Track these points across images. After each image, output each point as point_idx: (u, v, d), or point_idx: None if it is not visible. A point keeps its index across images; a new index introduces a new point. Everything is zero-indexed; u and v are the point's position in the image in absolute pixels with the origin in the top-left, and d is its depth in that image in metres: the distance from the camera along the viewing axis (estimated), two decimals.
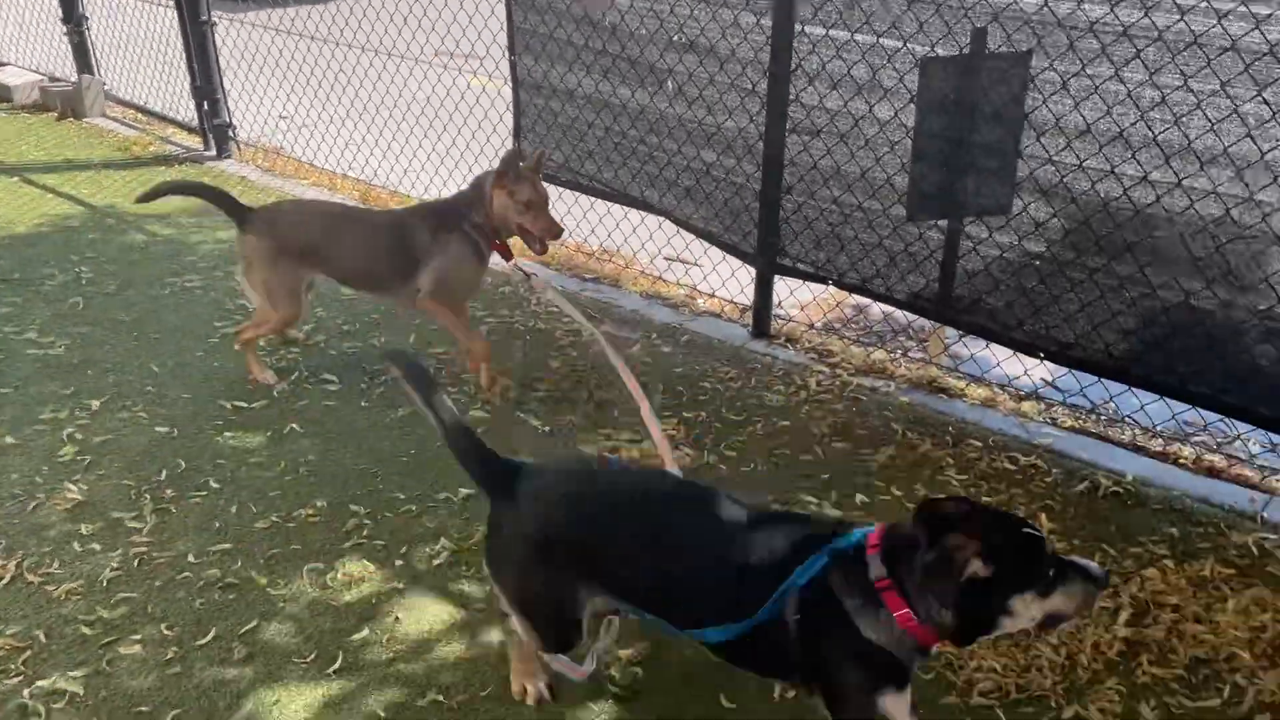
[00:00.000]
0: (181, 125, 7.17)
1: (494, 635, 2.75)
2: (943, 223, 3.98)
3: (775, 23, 3.98)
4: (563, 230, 3.92)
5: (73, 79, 7.72)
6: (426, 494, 3.35)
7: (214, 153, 6.81)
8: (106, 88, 7.72)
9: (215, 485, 3.37)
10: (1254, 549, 3.18)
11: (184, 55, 6.63)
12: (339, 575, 2.97)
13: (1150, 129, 3.33)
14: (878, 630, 2.03)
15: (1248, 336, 3.39)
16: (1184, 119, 3.27)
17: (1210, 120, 3.22)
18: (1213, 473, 3.63)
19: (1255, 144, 3.15)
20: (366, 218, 4.22)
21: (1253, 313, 3.34)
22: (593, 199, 5.20)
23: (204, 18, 6.42)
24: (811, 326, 4.64)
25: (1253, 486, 3.55)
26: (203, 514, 3.23)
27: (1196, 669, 2.68)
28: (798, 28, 3.95)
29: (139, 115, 7.59)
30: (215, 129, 6.75)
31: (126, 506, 3.25)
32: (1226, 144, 3.21)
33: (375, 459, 3.54)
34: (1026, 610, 2.01)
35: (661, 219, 4.94)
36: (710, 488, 2.36)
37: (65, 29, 7.58)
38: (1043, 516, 3.29)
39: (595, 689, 2.58)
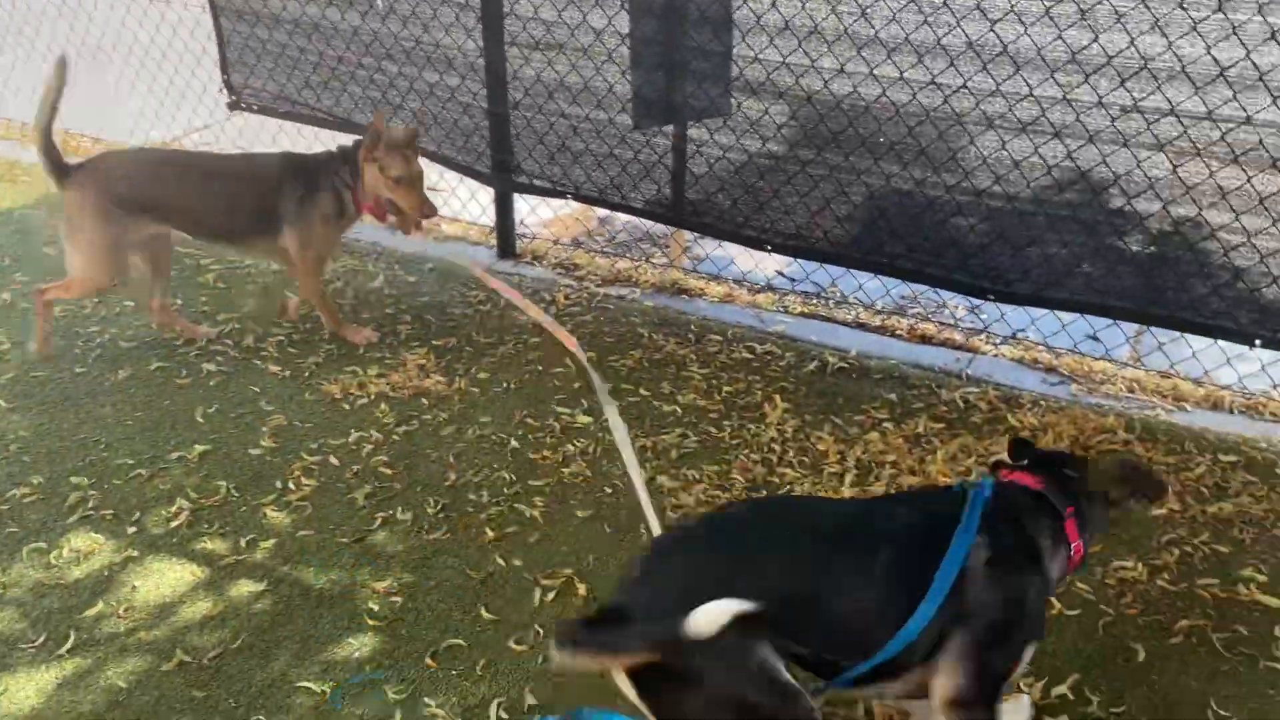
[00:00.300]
0: None
1: (243, 588, 2.67)
2: (668, 128, 4.07)
3: None
4: (436, 210, 3.75)
5: None
6: (158, 456, 3.17)
7: None
8: None
9: None
10: (960, 403, 3.51)
11: None
12: (64, 552, 2.78)
13: (840, 21, 3.51)
14: (1058, 565, 2.00)
15: (942, 212, 3.69)
16: (869, 10, 3.47)
17: (891, 10, 3.43)
18: (924, 339, 3.97)
19: (932, 30, 3.39)
20: (222, 167, 3.83)
21: (945, 189, 3.63)
22: (317, 130, 4.96)
23: None
24: (556, 242, 4.66)
25: (959, 348, 3.90)
26: None
27: None
28: None
29: None
30: None
31: None
32: (907, 32, 3.43)
33: (97, 426, 3.31)
34: None
35: None
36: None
37: None
38: (777, 398, 3.50)
39: (354, 622, 2.56)
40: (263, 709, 2.32)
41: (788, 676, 1.76)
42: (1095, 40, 3.20)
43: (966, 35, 3.37)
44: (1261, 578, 2.69)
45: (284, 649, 2.48)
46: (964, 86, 3.44)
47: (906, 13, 3.40)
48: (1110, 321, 3.74)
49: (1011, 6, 3.27)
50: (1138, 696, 2.34)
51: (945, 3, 3.34)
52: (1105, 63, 3.22)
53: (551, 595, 2.66)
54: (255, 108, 4.95)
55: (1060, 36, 3.24)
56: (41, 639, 2.50)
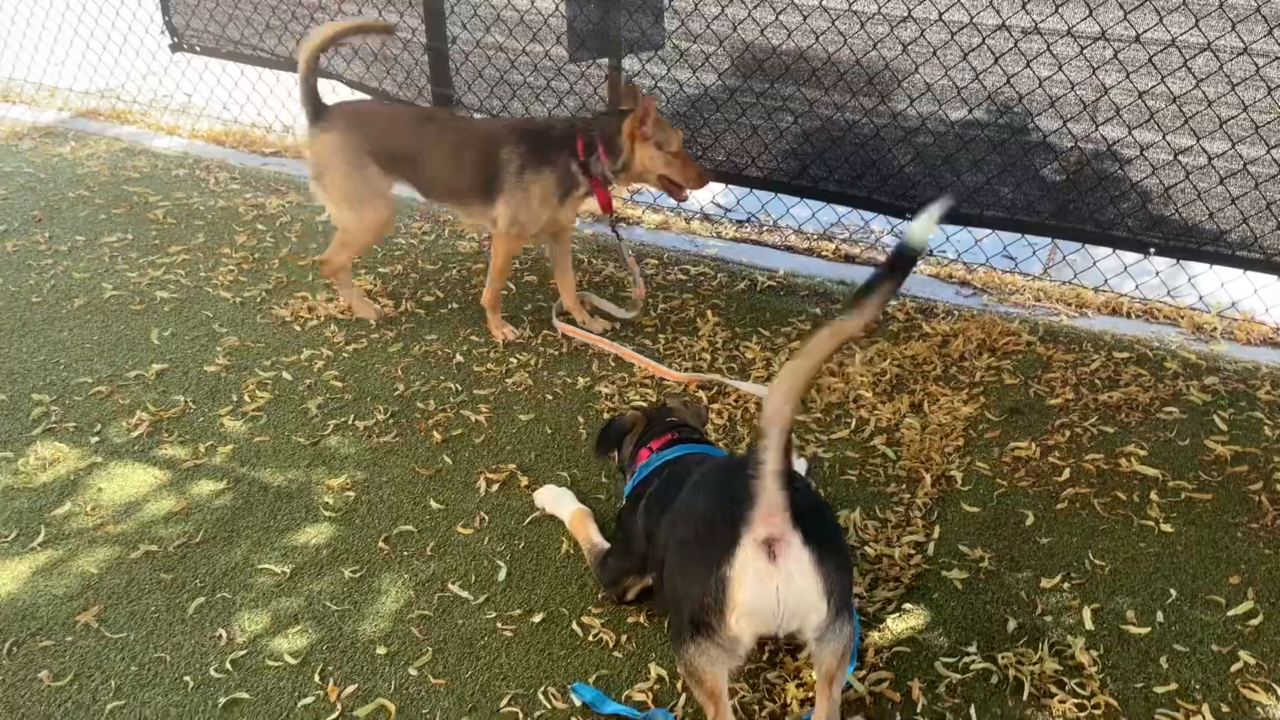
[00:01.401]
0: None
1: (205, 487, 2.83)
2: (603, 60, 4.23)
3: None
4: (711, 177, 3.55)
5: None
6: (117, 374, 3.31)
7: None
8: None
9: None
10: (880, 315, 3.74)
11: None
12: (31, 460, 2.92)
13: None
14: None
15: (862, 135, 3.90)
16: None
17: None
18: (849, 259, 4.20)
19: None
20: (460, 126, 3.59)
21: (864, 113, 3.84)
22: (268, 71, 5.05)
23: None
24: None
25: (880, 266, 4.13)
26: None
27: (831, 411, 3.19)
28: None
29: None
30: None
31: None
32: None
33: (56, 349, 3.43)
34: None
35: (336, 89, 4.89)
36: None
37: None
38: (709, 313, 3.71)
39: (310, 514, 2.74)
40: (226, 588, 2.50)
41: None
42: None
43: None
44: (1142, 453, 2.96)
45: (245, 538, 2.66)
46: (879, 13, 3.64)
47: None
48: (1020, 236, 3.99)
49: None
50: (1024, 552, 2.61)
51: None
52: None
53: (496, 487, 2.86)
54: (198, 49, 5.02)
55: None
56: (13, 535, 2.66)
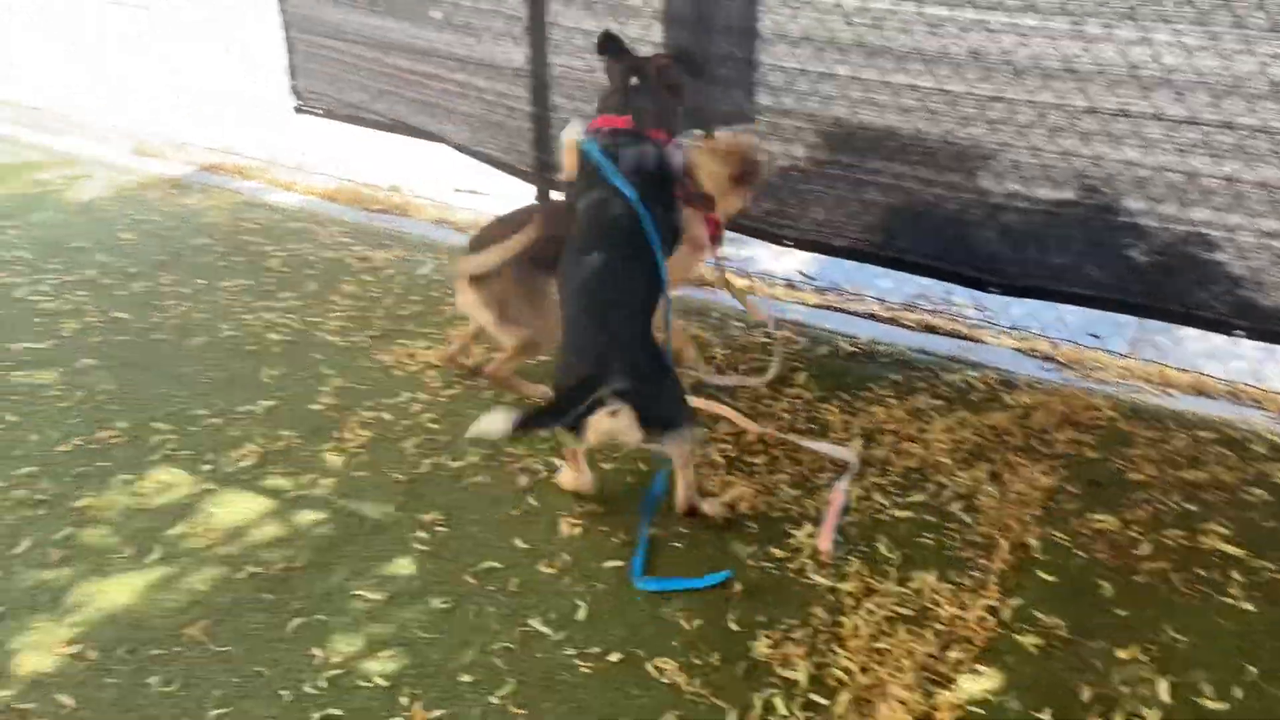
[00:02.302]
0: None
1: (306, 516, 3.01)
2: (696, 131, 4.41)
3: None
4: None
5: None
6: (230, 409, 3.53)
7: None
8: None
9: (13, 418, 3.43)
10: (960, 385, 3.79)
11: None
12: (149, 483, 3.14)
13: (855, 32, 3.84)
14: None
15: (948, 209, 3.99)
16: (881, 22, 3.79)
17: (902, 22, 3.75)
18: (930, 330, 4.26)
19: (938, 40, 3.70)
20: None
21: (951, 189, 3.93)
22: (374, 132, 5.37)
23: None
24: None
25: (963, 337, 4.19)
26: (2, 445, 3.29)
27: (909, 475, 3.24)
28: None
29: None
30: None
31: None
32: (916, 42, 3.75)
33: (176, 383, 3.68)
34: None
35: (445, 150, 5.16)
36: None
37: None
38: (790, 374, 3.80)
39: (403, 546, 2.89)
40: (324, 611, 2.65)
41: None
42: (1086, 50, 3.50)
43: (969, 46, 3.69)
44: (1224, 531, 2.94)
45: (342, 565, 2.81)
46: (968, 93, 3.75)
47: (916, 24, 3.72)
48: (1105, 314, 4.01)
49: (1010, 19, 3.58)
50: (1100, 622, 2.61)
51: (950, 14, 3.66)
52: (1097, 71, 3.52)
53: (578, 530, 2.97)
54: (319, 112, 5.36)
55: (1054, 46, 3.55)
56: (131, 551, 2.85)
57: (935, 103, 3.83)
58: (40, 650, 2.52)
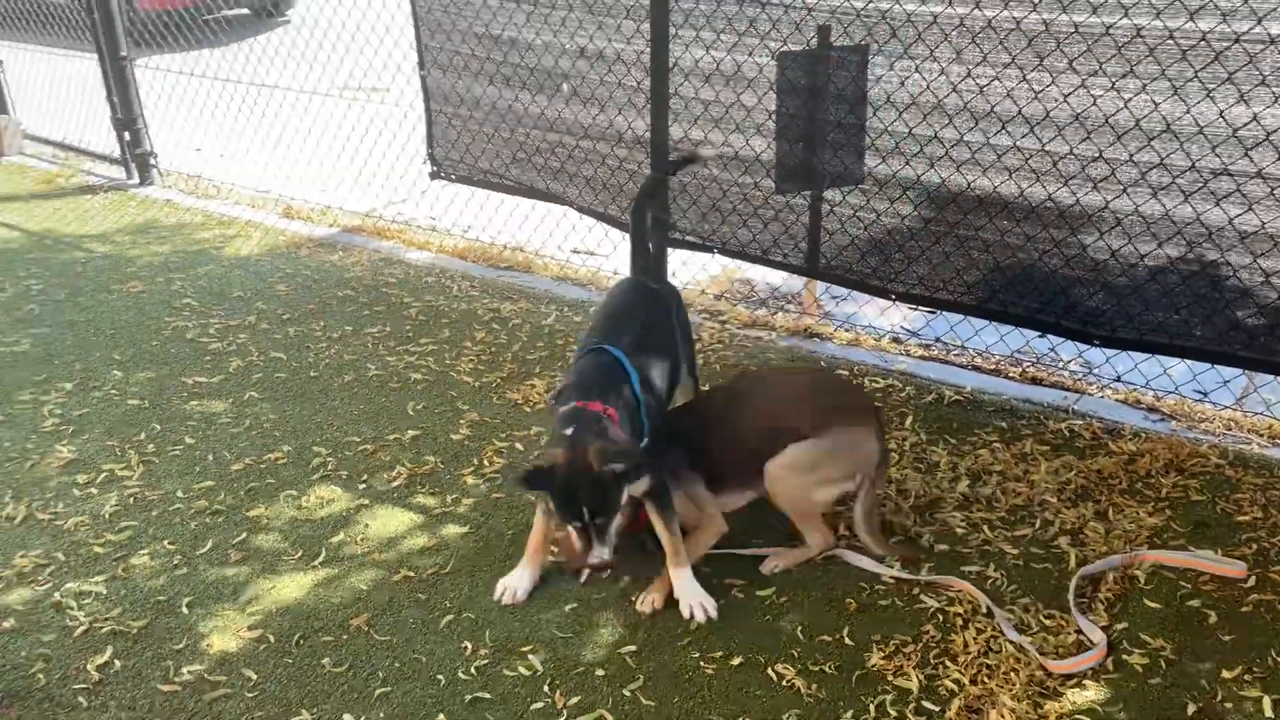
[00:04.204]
0: (102, 157, 7.52)
1: (452, 530, 3.30)
2: (806, 192, 4.69)
3: (653, 27, 4.65)
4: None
5: None
6: (379, 435, 3.88)
7: (137, 180, 7.19)
8: (23, 127, 8.00)
9: (190, 441, 3.84)
10: (1065, 432, 3.92)
11: (104, 91, 7.01)
12: (311, 499, 3.48)
13: (960, 97, 4.09)
14: None
15: (1051, 264, 4.16)
16: (986, 88, 4.04)
17: (1006, 88, 4.00)
18: (1035, 381, 4.40)
19: (1041, 104, 3.93)
20: None
21: (1054, 244, 4.11)
22: (504, 197, 5.80)
23: (123, 54, 6.83)
24: (703, 292, 5.30)
25: (1066, 389, 4.31)
26: (184, 462, 3.70)
27: (1016, 511, 3.38)
28: (672, 31, 4.63)
29: (58, 151, 7.90)
30: (137, 158, 7.13)
31: (115, 460, 3.70)
32: (1020, 106, 3.98)
33: (330, 414, 4.05)
34: None
35: (566, 215, 5.55)
36: None
37: None
38: (897, 418, 3.98)
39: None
40: (470, 610, 2.93)
41: None
42: (1188, 112, 3.68)
43: (1072, 107, 3.90)
44: None
45: (486, 571, 3.09)
46: (1071, 153, 3.95)
47: (1019, 89, 3.96)
48: (1210, 366, 4.10)
49: (1112, 84, 3.78)
50: (1205, 646, 2.71)
51: (1053, 80, 3.89)
52: (1197, 131, 3.69)
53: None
54: (453, 177, 5.82)
55: (1156, 108, 3.74)
56: (299, 554, 3.19)
57: (1038, 163, 4.04)
58: (225, 634, 2.85)
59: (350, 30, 6.56)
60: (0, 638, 2.85)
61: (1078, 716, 2.48)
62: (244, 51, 8.53)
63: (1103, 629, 2.78)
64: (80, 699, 2.64)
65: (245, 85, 7.57)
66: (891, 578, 3.02)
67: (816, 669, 2.70)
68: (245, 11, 12.35)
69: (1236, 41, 3.49)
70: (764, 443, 3.07)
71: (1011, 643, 2.73)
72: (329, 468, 3.67)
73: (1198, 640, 2.73)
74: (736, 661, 2.72)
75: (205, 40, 8.62)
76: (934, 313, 4.75)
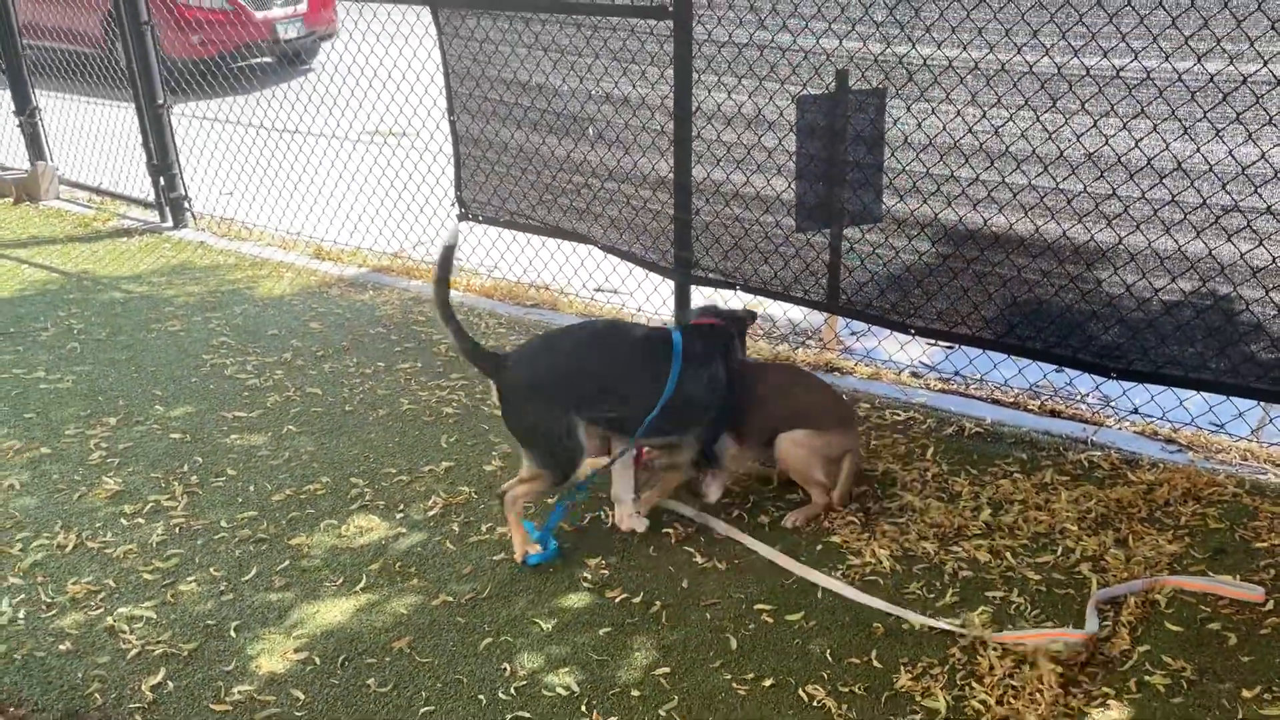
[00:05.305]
0: (137, 201, 7.73)
1: (488, 556, 3.40)
2: (826, 230, 4.82)
3: (676, 73, 4.82)
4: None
5: (25, 166, 8.23)
6: (414, 467, 3.99)
7: (171, 223, 7.39)
8: (59, 172, 8.24)
9: (232, 473, 3.96)
10: (1085, 463, 4.00)
11: (139, 137, 7.23)
12: (351, 528, 3.59)
13: (976, 138, 4.22)
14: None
15: (1068, 298, 4.26)
16: (1001, 129, 4.17)
17: (1019, 129, 4.13)
18: (1053, 414, 4.48)
19: (1055, 144, 4.06)
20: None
21: (1070, 279, 4.22)
22: (529, 236, 5.95)
23: (160, 101, 7.06)
24: None
25: (1085, 421, 4.40)
26: (227, 493, 3.82)
27: (1038, 539, 3.46)
28: (695, 76, 4.80)
29: (93, 195, 8.12)
30: (172, 201, 7.33)
31: (160, 491, 3.82)
32: (1034, 146, 4.11)
33: (366, 446, 4.17)
34: None
35: (590, 254, 5.69)
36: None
37: (19, 120, 8.11)
38: (917, 450, 4.08)
39: (573, 583, 3.24)
40: (508, 633, 3.02)
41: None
42: (1198, 150, 3.80)
43: (1085, 147, 4.03)
44: None
45: (521, 597, 3.19)
46: (1085, 190, 4.07)
47: (1033, 130, 4.09)
48: (1224, 399, 4.18)
49: (1124, 124, 3.91)
50: (1225, 666, 2.78)
51: (1066, 121, 4.02)
52: (1207, 169, 3.81)
53: (723, 567, 3.28)
54: (480, 219, 5.99)
55: (1167, 147, 3.86)
56: (340, 580, 3.29)
57: (1053, 201, 4.16)
58: (273, 655, 2.95)
59: (369, 76, 6.77)
60: (57, 660, 2.96)
61: None
62: (268, 97, 8.78)
63: (1123, 652, 2.85)
64: (137, 717, 2.74)
65: (273, 131, 7.79)
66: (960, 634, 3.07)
67: (846, 690, 2.77)
68: (269, 60, 12.68)
69: (1244, 83, 3.61)
70: (783, 421, 3.73)
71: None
72: (367, 498, 3.78)
73: (1218, 661, 2.80)
74: (768, 683, 2.80)
75: (233, 88, 8.89)
76: (953, 347, 4.85)
